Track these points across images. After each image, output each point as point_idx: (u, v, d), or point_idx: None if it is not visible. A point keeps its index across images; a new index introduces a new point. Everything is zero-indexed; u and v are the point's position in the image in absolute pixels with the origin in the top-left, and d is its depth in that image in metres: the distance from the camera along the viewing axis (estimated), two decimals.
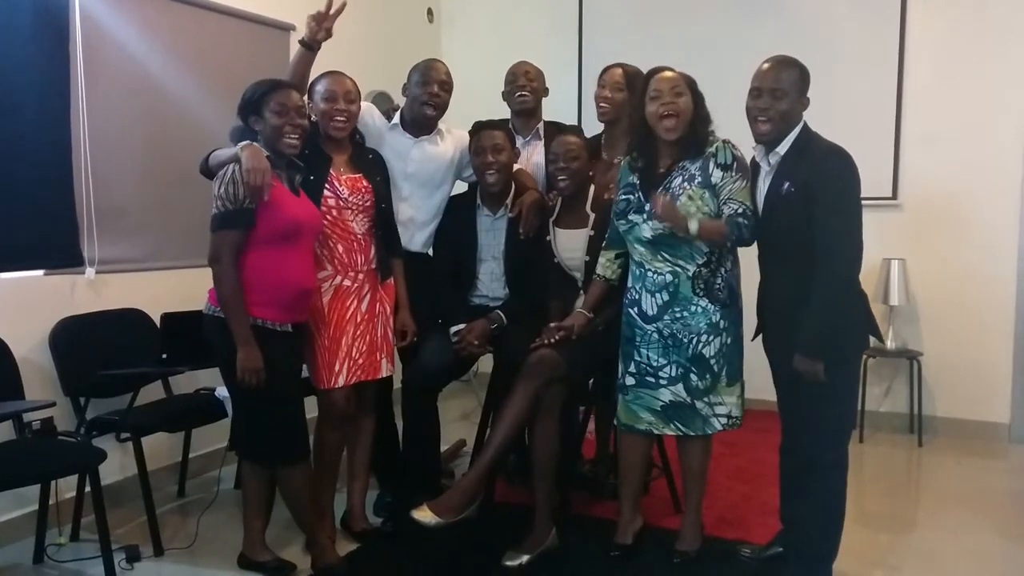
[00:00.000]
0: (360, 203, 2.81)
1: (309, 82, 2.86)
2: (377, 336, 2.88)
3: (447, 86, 3.10)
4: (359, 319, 2.83)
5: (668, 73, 2.61)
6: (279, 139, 2.52)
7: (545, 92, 3.49)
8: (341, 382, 2.79)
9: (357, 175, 2.84)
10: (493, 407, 3.18)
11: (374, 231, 2.87)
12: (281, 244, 2.51)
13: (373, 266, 2.87)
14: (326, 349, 2.76)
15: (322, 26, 2.77)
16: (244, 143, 2.47)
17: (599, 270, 2.87)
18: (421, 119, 3.09)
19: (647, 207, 2.61)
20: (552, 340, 2.76)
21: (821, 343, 2.36)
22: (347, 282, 2.81)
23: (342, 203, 2.77)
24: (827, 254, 2.33)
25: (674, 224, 2.48)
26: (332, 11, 2.78)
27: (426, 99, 3.04)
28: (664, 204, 2.46)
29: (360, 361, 2.83)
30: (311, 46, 2.80)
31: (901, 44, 4.42)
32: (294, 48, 4.07)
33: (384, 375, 2.93)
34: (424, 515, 2.59)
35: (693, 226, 2.47)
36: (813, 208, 2.33)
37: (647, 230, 2.62)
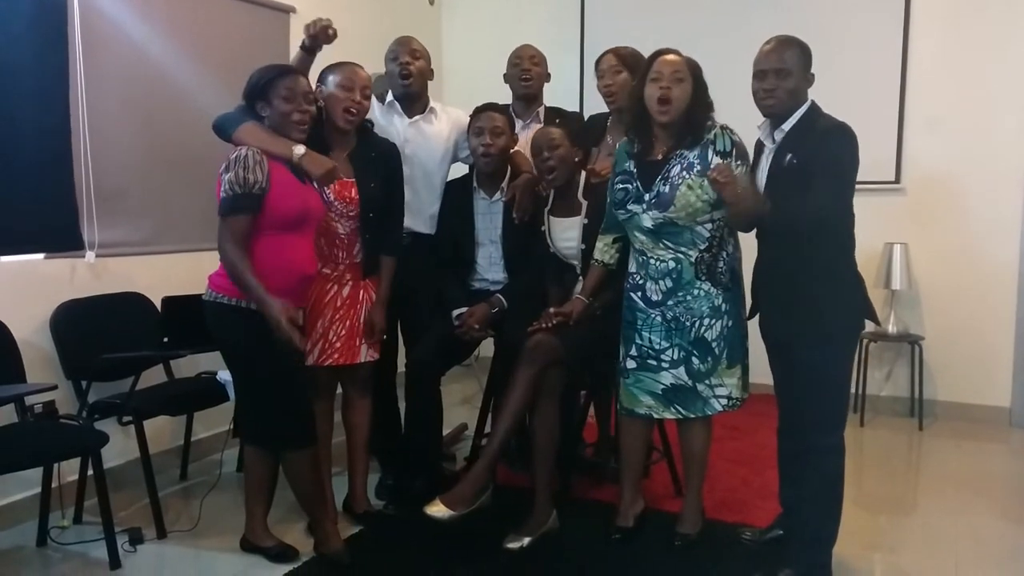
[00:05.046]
0: (344, 210, 2.77)
1: (321, 70, 2.84)
2: (359, 322, 2.86)
3: (417, 54, 3.11)
4: (339, 303, 2.82)
5: (671, 56, 2.57)
6: (286, 125, 2.50)
7: (547, 77, 3.48)
8: (310, 361, 2.78)
9: (349, 180, 2.77)
10: (494, 391, 3.18)
11: (361, 231, 2.82)
12: (287, 231, 2.50)
13: (357, 260, 2.85)
14: None
15: (318, 41, 2.77)
16: (302, 151, 2.48)
17: (597, 255, 2.86)
18: (402, 92, 3.12)
19: (646, 197, 2.59)
20: (549, 325, 2.76)
21: (763, 216, 2.34)
22: (327, 270, 2.80)
23: (326, 205, 2.73)
24: (813, 205, 2.29)
25: (733, 196, 2.38)
26: (327, 33, 2.75)
27: (398, 70, 3.07)
28: (723, 171, 2.38)
29: (337, 345, 2.82)
30: (311, 50, 2.80)
31: (905, 28, 4.39)
32: (294, 30, 4.12)
33: (362, 360, 2.89)
34: (437, 509, 2.60)
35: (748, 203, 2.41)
36: (812, 178, 2.31)
37: (647, 220, 2.60)
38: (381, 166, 2.87)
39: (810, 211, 2.30)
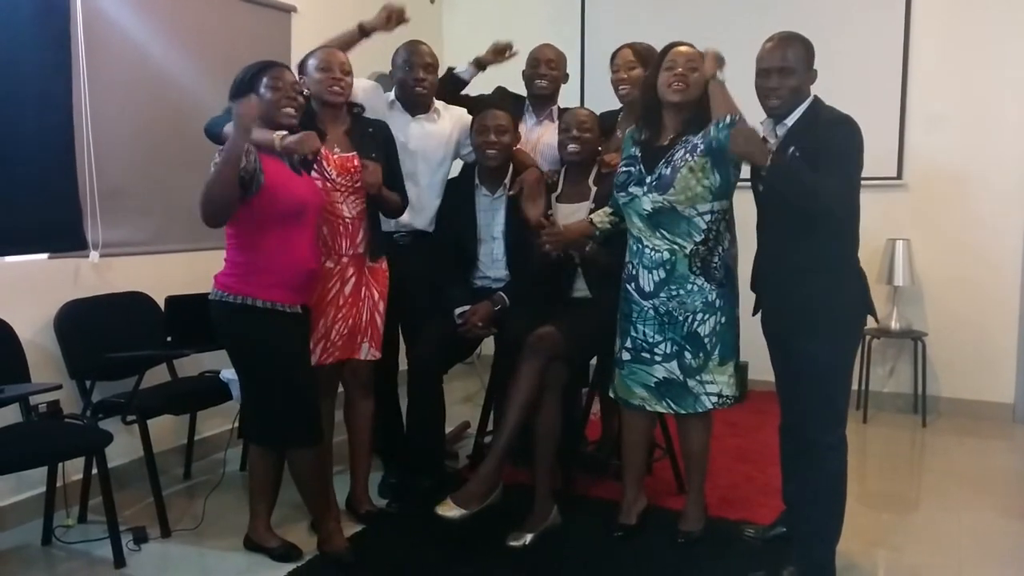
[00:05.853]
0: (349, 184, 2.78)
1: (299, 61, 2.89)
2: (362, 320, 2.87)
3: (431, 68, 3.13)
4: (341, 302, 2.82)
5: (686, 48, 2.60)
6: (277, 113, 2.51)
7: (565, 78, 3.48)
8: (312, 361, 2.77)
9: (350, 154, 2.80)
10: (497, 389, 3.19)
11: (366, 212, 2.84)
12: (286, 224, 2.50)
13: (360, 251, 2.85)
14: None
15: (388, 26, 2.95)
16: (283, 133, 2.49)
17: (592, 216, 2.87)
18: (415, 100, 3.13)
19: (648, 179, 2.61)
20: (551, 243, 2.75)
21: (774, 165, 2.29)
22: (330, 264, 2.80)
23: (330, 184, 2.75)
24: (823, 186, 2.25)
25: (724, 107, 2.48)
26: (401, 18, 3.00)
27: (414, 83, 3.09)
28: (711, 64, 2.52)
29: (339, 343, 2.82)
30: (368, 33, 2.97)
31: (907, 23, 4.38)
32: (295, 30, 4.12)
33: (363, 357, 2.90)
34: (448, 509, 2.61)
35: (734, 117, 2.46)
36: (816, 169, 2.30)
37: (647, 202, 2.61)
38: (377, 139, 2.91)
39: (820, 192, 2.25)
